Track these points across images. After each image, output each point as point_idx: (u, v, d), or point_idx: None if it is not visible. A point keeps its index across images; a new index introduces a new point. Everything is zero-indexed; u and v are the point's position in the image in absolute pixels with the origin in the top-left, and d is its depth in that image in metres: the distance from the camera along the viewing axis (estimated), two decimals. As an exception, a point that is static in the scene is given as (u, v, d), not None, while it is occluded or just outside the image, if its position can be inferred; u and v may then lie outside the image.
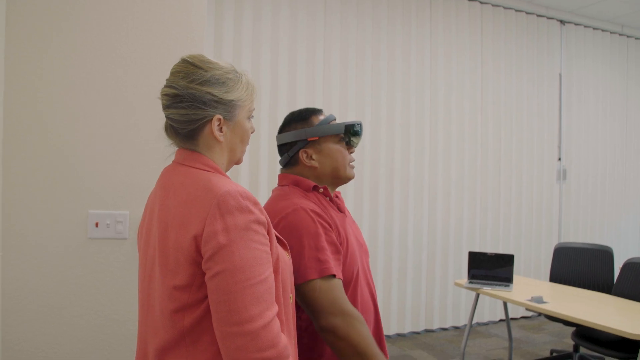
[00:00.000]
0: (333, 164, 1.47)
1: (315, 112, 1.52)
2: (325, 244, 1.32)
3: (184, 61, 1.11)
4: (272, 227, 1.08)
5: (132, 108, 1.94)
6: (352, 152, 1.53)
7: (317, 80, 4.25)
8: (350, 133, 1.49)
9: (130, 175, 1.94)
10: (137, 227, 1.94)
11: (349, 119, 4.36)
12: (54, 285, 1.85)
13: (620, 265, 3.39)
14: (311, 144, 1.48)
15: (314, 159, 1.47)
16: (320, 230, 1.33)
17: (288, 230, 1.32)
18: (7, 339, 1.81)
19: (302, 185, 1.45)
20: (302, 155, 1.47)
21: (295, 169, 1.50)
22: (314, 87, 4.23)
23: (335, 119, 1.52)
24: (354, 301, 1.39)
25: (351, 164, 1.52)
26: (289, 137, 1.49)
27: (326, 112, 1.55)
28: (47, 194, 1.85)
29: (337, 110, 4.32)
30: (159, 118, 1.95)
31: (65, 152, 1.86)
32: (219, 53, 3.84)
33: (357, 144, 1.53)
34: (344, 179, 1.51)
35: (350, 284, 1.40)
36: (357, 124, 1.50)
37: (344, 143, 1.50)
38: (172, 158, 1.16)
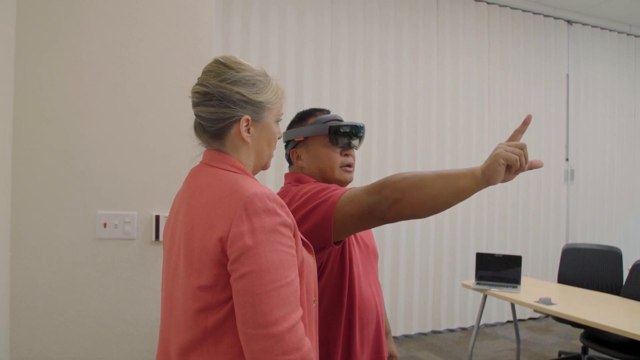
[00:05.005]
0: (319, 165, 1.46)
1: (314, 112, 1.51)
2: (317, 190, 1.31)
3: (217, 61, 1.13)
4: (297, 229, 1.08)
5: (140, 108, 1.95)
6: (347, 154, 1.47)
7: (324, 80, 4.25)
8: (337, 134, 1.44)
9: (138, 175, 1.94)
10: (145, 227, 1.95)
11: (356, 118, 4.35)
12: (62, 285, 1.86)
13: (629, 267, 3.36)
14: (300, 144, 1.49)
15: (302, 159, 1.49)
16: (321, 186, 1.33)
17: (299, 196, 1.32)
18: (16, 338, 1.82)
19: (304, 182, 1.46)
20: (293, 155, 1.51)
21: (292, 168, 1.54)
22: (321, 87, 4.23)
23: (334, 119, 1.47)
24: (351, 299, 1.39)
25: (345, 167, 1.47)
26: (284, 136, 1.53)
27: (333, 112, 1.53)
28: (55, 195, 1.86)
29: (344, 110, 4.32)
30: (168, 118, 1.97)
31: (73, 153, 1.87)
32: (226, 53, 3.84)
33: (352, 145, 1.47)
34: (334, 182, 1.46)
35: (345, 284, 1.39)
36: (345, 125, 1.44)
37: (333, 144, 1.45)
38: (200, 159, 1.17)
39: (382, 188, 1.18)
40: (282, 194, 1.44)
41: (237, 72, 1.10)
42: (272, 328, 0.92)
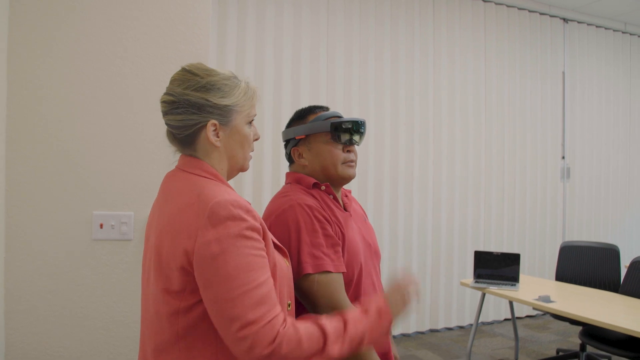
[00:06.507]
0: (321, 162, 1.45)
1: (314, 109, 1.50)
2: (321, 240, 1.32)
3: (183, 69, 1.14)
4: (267, 232, 1.09)
5: (137, 108, 1.93)
6: (349, 151, 1.47)
7: (320, 80, 4.23)
8: (338, 130, 1.44)
9: (134, 175, 1.92)
10: (142, 228, 1.93)
11: (353, 116, 4.32)
12: (58, 287, 1.84)
13: (627, 264, 3.37)
14: (302, 142, 1.48)
15: (304, 157, 1.48)
16: (317, 225, 1.33)
17: (285, 226, 1.32)
18: (11, 340, 1.80)
19: (303, 182, 1.45)
20: (294, 153, 1.49)
21: (294, 167, 1.52)
22: (318, 87, 4.22)
23: (334, 116, 1.47)
24: (355, 299, 1.38)
25: (348, 162, 1.46)
26: (284, 135, 1.52)
27: (330, 110, 1.52)
28: (51, 195, 1.83)
29: (341, 109, 4.30)
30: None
31: (69, 153, 1.85)
32: (222, 52, 3.83)
33: (353, 141, 1.47)
34: (337, 178, 1.46)
35: (351, 283, 1.38)
36: (347, 121, 1.44)
37: (335, 141, 1.45)
38: (177, 163, 1.18)
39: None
40: (282, 193, 1.43)
41: (202, 78, 1.11)
42: (248, 329, 0.93)
